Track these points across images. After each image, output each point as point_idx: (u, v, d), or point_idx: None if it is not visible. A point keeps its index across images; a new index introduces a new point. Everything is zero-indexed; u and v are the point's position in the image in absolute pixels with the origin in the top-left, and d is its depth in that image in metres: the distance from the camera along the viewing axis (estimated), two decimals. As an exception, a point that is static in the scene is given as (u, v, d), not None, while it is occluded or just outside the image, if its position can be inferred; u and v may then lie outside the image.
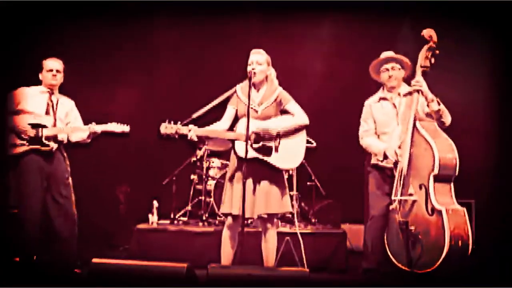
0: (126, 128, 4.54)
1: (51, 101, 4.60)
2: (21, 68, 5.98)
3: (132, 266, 3.49)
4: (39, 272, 4.44)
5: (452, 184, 3.94)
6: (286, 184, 4.21)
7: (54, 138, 4.52)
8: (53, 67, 4.60)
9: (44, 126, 4.48)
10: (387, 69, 4.28)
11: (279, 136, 4.06)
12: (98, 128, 4.53)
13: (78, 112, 4.79)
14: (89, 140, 4.66)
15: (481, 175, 5.82)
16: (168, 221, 5.81)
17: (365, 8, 6.20)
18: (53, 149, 4.50)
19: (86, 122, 4.70)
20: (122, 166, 6.55)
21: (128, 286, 3.31)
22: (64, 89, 4.75)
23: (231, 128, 4.16)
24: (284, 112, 4.17)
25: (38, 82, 4.67)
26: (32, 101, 4.55)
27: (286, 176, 5.76)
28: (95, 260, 3.45)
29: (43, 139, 4.46)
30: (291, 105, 4.16)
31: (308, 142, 4.24)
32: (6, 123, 4.49)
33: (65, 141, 4.63)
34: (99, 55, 6.42)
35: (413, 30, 6.03)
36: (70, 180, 4.62)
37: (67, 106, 4.71)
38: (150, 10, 6.46)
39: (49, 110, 4.57)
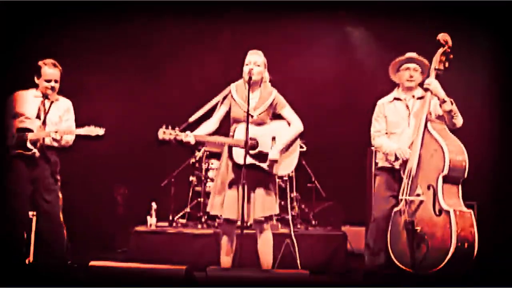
0: (100, 132, 4.30)
1: (43, 105, 4.45)
2: (19, 69, 5.97)
3: (131, 268, 3.48)
4: (31, 273, 4.37)
5: (460, 187, 3.94)
6: (277, 186, 4.20)
7: (39, 143, 4.36)
8: (51, 77, 4.40)
9: (30, 130, 4.35)
10: (409, 68, 4.24)
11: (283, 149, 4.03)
12: (69, 136, 4.34)
13: (72, 114, 4.60)
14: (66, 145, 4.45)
15: (483, 177, 5.78)
16: (166, 223, 5.76)
17: (365, 9, 6.19)
18: (36, 154, 4.35)
19: (84, 123, 4.55)
20: (120, 167, 6.51)
21: (127, 289, 3.29)
22: (61, 90, 4.60)
23: (221, 128, 4.12)
24: (277, 116, 4.13)
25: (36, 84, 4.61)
26: (25, 105, 4.42)
27: (286, 178, 5.79)
28: (93, 263, 3.43)
29: (28, 143, 4.31)
30: (287, 111, 4.12)
31: (300, 146, 4.23)
32: (5, 125, 4.43)
33: (56, 144, 4.41)
34: (97, 55, 6.39)
35: (413, 31, 6.02)
36: (57, 185, 4.47)
37: (61, 108, 4.54)
38: (150, 12, 6.43)
39: (40, 114, 4.42)
